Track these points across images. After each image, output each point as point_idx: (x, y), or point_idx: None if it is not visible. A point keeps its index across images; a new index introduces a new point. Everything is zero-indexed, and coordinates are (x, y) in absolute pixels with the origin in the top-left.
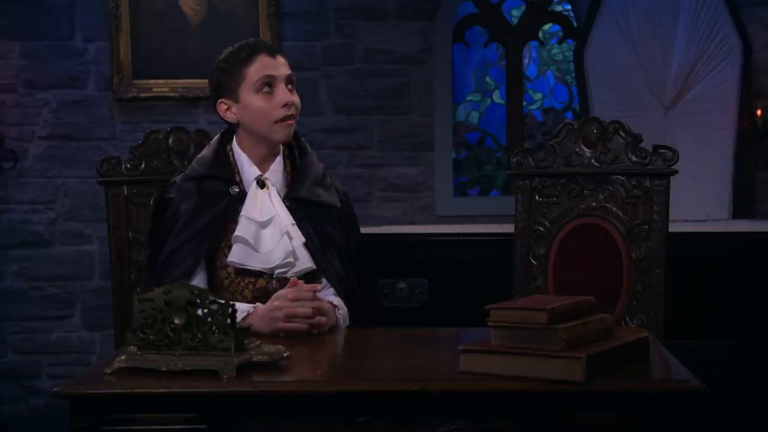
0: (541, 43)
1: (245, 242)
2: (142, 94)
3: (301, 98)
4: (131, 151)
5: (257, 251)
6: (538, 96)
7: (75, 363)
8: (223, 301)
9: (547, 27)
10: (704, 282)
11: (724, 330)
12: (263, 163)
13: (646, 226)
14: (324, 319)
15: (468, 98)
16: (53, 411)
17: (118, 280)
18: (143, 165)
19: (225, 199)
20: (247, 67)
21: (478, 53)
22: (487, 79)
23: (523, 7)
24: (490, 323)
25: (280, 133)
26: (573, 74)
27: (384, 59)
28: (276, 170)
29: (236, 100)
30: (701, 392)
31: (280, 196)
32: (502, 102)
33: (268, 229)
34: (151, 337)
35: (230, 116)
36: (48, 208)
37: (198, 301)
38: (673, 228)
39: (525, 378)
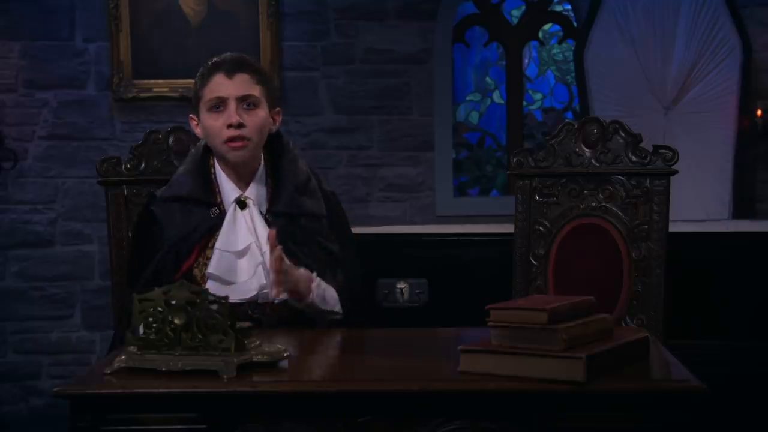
0: (541, 43)
1: (218, 279)
2: (142, 94)
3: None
4: (131, 151)
5: (233, 282)
6: (538, 96)
7: (75, 363)
8: (223, 301)
9: (547, 27)
10: (704, 282)
11: (724, 330)
12: (242, 181)
13: (646, 226)
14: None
15: (468, 98)
16: (53, 411)
17: (118, 280)
18: (143, 165)
19: (206, 221)
20: (204, 87)
21: (478, 53)
22: (487, 79)
23: (523, 7)
24: (490, 323)
25: (230, 155)
26: (573, 74)
27: (384, 59)
28: (257, 186)
29: (199, 118)
30: (701, 392)
31: (262, 212)
32: (502, 102)
33: (244, 258)
34: (151, 337)
35: (198, 132)
36: (48, 208)
37: (198, 301)
38: (673, 228)
39: (525, 378)
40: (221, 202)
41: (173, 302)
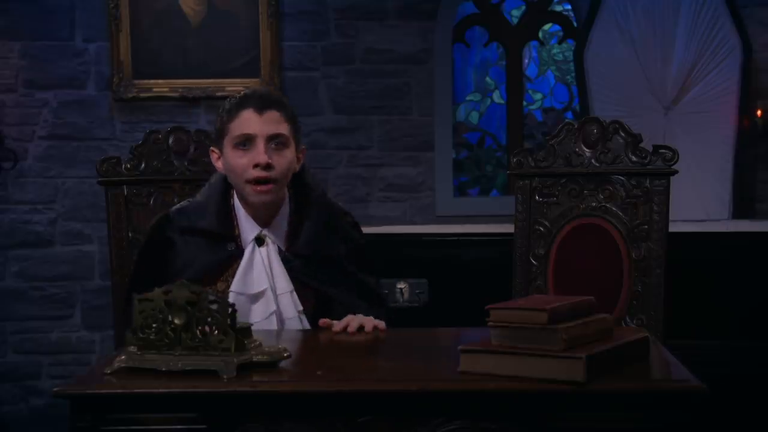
0: (541, 43)
1: None
2: (142, 94)
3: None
4: (131, 151)
5: None
6: (538, 96)
7: (75, 363)
8: (222, 301)
9: (547, 27)
10: (704, 282)
11: (724, 330)
12: (264, 218)
13: (646, 226)
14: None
15: (468, 98)
16: (53, 411)
17: (118, 280)
18: (143, 165)
19: (221, 255)
20: (231, 122)
21: (478, 53)
22: (487, 79)
23: (523, 7)
24: (490, 323)
25: (253, 197)
26: (573, 74)
27: (384, 59)
28: (278, 224)
29: (222, 151)
30: (701, 392)
31: (281, 248)
32: (502, 102)
33: (258, 303)
34: (151, 337)
35: (219, 166)
36: (48, 208)
37: (198, 301)
38: (673, 228)
39: (525, 378)
40: (239, 236)
41: (173, 302)
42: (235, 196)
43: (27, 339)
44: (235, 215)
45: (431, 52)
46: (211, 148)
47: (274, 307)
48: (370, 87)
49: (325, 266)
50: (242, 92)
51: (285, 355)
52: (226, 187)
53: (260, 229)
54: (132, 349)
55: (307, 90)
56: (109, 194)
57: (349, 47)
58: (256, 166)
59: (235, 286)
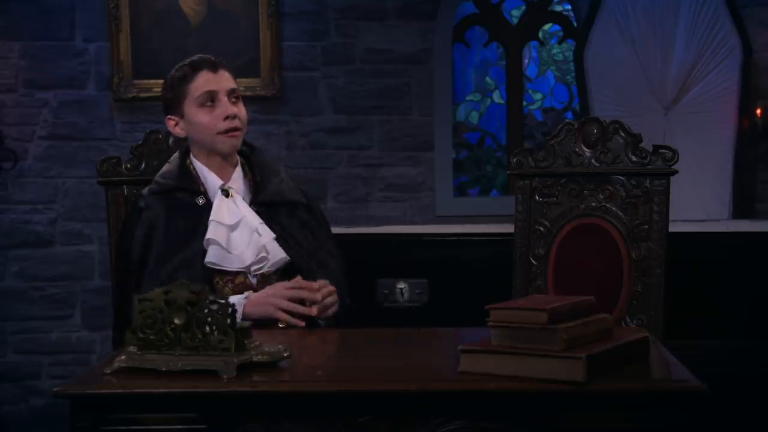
0: (541, 43)
1: (217, 243)
2: (142, 94)
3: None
4: (131, 151)
5: (230, 253)
6: (538, 96)
7: (75, 363)
8: (223, 301)
9: (547, 27)
10: (704, 282)
11: (724, 330)
12: (224, 173)
13: (646, 226)
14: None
15: (468, 98)
16: (53, 411)
17: None
18: (143, 165)
19: (193, 210)
20: (190, 84)
21: (478, 53)
22: (487, 79)
23: (523, 7)
24: (490, 323)
25: (225, 145)
26: (573, 74)
27: (384, 59)
28: (238, 179)
29: (182, 116)
30: (701, 392)
31: (246, 202)
32: (502, 102)
33: (237, 231)
34: (151, 337)
35: (178, 131)
36: (48, 208)
37: (198, 301)
38: (673, 228)
39: (525, 378)
40: (206, 191)
41: (173, 302)
42: (193, 157)
43: (27, 339)
44: (197, 174)
45: (431, 52)
46: (168, 117)
47: (255, 227)
48: (370, 87)
49: (291, 213)
50: (187, 60)
51: (285, 355)
52: (183, 156)
53: (223, 182)
54: (132, 349)
55: (307, 90)
56: (109, 194)
57: (349, 47)
58: (226, 118)
59: (213, 216)
